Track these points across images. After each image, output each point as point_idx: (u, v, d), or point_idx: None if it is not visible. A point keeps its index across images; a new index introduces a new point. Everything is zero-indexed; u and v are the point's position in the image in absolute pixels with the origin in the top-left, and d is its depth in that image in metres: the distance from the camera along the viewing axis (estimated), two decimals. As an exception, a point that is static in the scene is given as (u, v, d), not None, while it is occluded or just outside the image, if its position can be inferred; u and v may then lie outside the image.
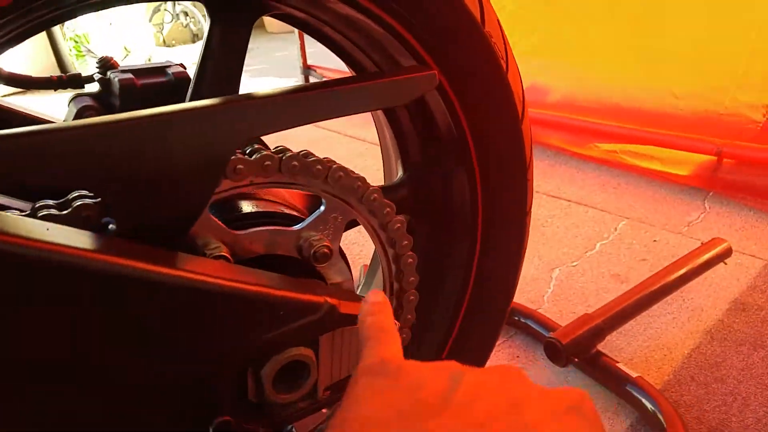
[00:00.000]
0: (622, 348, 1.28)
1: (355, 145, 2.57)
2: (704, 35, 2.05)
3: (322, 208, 0.55)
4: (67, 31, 4.58)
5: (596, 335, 1.19)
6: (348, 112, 0.50)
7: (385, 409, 0.28)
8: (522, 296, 1.44)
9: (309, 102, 0.48)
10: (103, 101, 0.72)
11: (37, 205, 0.42)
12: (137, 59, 4.78)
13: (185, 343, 0.42)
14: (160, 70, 0.72)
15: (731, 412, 1.10)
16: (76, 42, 4.61)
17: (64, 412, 0.39)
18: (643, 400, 1.09)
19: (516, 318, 1.33)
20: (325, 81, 0.51)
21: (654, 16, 2.17)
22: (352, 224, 0.61)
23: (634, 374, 1.14)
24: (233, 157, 0.47)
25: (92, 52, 4.63)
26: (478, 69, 0.65)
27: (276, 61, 4.91)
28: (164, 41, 6.29)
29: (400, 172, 0.76)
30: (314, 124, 0.50)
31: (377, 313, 0.39)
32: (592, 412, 0.30)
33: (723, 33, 2.01)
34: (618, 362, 1.18)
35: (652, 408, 1.07)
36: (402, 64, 0.62)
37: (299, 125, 0.48)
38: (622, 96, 2.19)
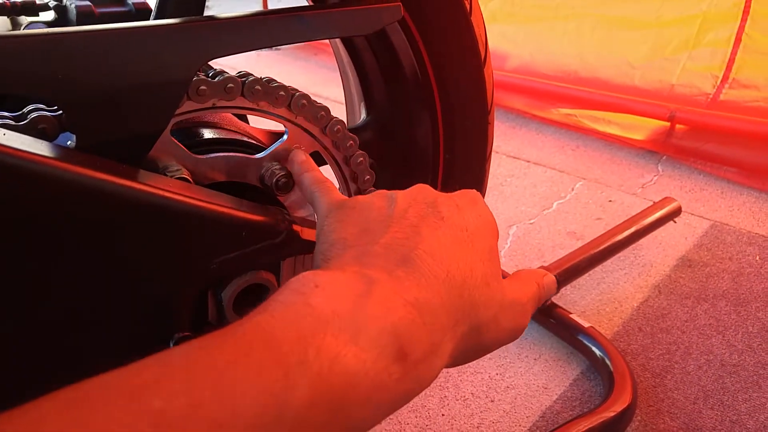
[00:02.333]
0: (576, 301, 1.32)
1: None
2: (658, 5, 2.08)
3: (285, 137, 0.54)
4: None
5: (551, 287, 1.23)
6: (311, 38, 0.50)
7: (351, 229, 0.36)
8: (480, 252, 1.46)
9: (272, 25, 0.48)
10: (57, 30, 0.69)
11: (-10, 117, 0.41)
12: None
13: (146, 259, 0.42)
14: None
15: (674, 359, 1.15)
16: (25, -7, 4.40)
17: (17, 328, 0.38)
18: (594, 349, 1.14)
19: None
20: (288, 7, 0.51)
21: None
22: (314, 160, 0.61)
23: (586, 324, 1.18)
24: (196, 78, 0.47)
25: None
26: (441, 7, 0.65)
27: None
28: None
29: (364, 115, 0.76)
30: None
31: (311, 169, 0.47)
32: (483, 204, 0.39)
33: (676, 3, 2.05)
34: (571, 313, 1.22)
35: (601, 355, 1.12)
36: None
37: (262, 47, 0.47)
38: (580, 64, 2.21)
